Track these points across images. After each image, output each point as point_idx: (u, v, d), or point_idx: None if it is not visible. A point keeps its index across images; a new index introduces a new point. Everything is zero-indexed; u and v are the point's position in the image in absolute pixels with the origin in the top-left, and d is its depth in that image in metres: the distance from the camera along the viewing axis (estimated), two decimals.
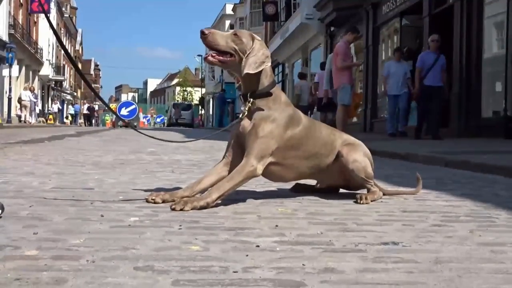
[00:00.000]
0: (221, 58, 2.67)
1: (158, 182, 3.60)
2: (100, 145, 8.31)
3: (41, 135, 11.19)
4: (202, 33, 2.61)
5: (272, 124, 2.67)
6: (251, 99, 2.69)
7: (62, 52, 49.86)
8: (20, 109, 27.08)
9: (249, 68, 2.62)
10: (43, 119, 30.59)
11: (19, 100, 26.96)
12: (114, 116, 35.94)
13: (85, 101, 55.73)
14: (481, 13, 10.52)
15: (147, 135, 3.11)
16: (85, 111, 40.99)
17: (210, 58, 2.68)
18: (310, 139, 2.82)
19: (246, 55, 2.63)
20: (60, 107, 39.67)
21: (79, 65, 59.31)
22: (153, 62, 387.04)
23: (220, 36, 2.65)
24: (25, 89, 28.58)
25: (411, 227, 2.24)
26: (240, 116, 2.73)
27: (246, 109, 2.70)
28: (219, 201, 2.58)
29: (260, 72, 2.68)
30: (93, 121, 44.79)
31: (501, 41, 10.39)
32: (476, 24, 10.49)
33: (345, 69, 9.45)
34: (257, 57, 2.64)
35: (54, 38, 44.65)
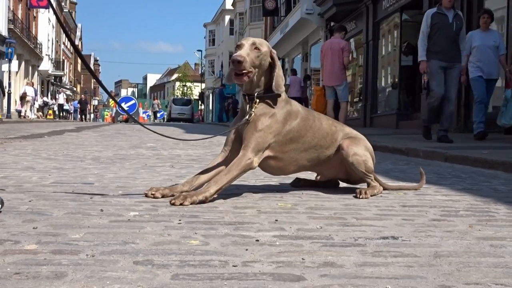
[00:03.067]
0: (249, 77, 2.62)
1: (157, 177, 3.61)
2: (99, 140, 8.31)
3: (41, 130, 11.19)
4: (238, 61, 2.54)
5: (271, 119, 2.68)
6: (257, 100, 2.69)
7: (62, 47, 49.82)
8: (21, 104, 27.02)
9: (279, 88, 2.70)
10: (40, 113, 30.49)
11: (24, 95, 26.88)
12: (114, 111, 35.85)
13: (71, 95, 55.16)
14: (481, 7, 10.48)
15: (149, 129, 3.11)
16: (60, 100, 40.32)
17: (245, 78, 2.60)
18: (309, 131, 2.82)
19: (274, 72, 2.68)
20: (47, 100, 39.22)
21: (79, 60, 59.11)
22: (154, 57, 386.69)
23: (249, 58, 2.59)
24: (28, 84, 28.56)
25: (411, 221, 2.24)
26: (247, 117, 2.69)
27: (253, 110, 2.68)
28: (215, 196, 2.58)
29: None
30: (91, 116, 44.36)
31: (501, 36, 10.36)
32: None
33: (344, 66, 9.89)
34: (281, 73, 2.73)
35: (54, 33, 44.71)
